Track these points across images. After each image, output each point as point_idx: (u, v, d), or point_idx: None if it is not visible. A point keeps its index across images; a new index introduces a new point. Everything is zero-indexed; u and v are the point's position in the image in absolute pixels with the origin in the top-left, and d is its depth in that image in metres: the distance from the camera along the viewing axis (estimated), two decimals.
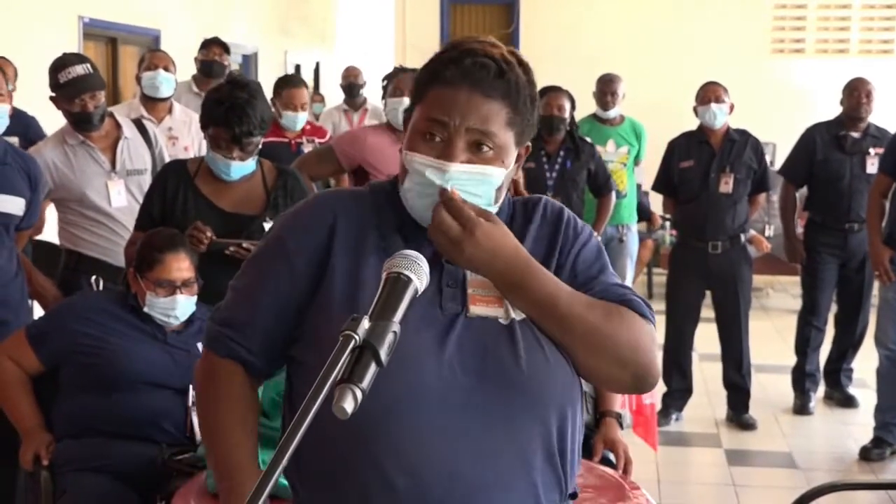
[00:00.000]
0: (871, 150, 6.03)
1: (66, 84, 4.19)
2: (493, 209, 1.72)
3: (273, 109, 5.13)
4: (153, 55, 5.93)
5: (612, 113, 6.96)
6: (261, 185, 3.63)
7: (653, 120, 7.45)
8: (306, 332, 1.70)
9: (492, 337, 1.66)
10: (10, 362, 3.20)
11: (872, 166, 5.92)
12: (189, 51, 7.11)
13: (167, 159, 4.44)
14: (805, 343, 6.25)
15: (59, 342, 3.18)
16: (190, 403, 3.11)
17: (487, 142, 1.67)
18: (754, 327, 6.24)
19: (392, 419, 1.59)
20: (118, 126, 4.44)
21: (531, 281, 1.66)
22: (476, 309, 1.68)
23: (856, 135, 6.09)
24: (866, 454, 5.31)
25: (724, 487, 5.05)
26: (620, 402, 3.14)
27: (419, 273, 1.47)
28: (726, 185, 5.78)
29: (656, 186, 6.15)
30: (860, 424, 5.79)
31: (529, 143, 1.77)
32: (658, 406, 5.39)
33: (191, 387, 3.11)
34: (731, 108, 5.87)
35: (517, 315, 1.67)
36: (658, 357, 1.75)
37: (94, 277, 4.25)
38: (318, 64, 12.13)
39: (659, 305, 6.01)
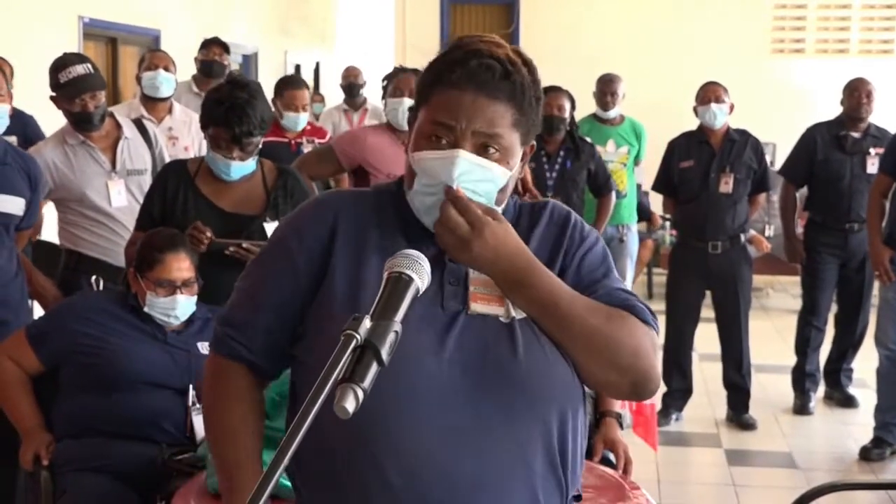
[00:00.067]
0: (872, 150, 6.04)
1: (67, 84, 4.19)
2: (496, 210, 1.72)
3: (274, 110, 5.13)
4: (153, 55, 5.93)
5: (612, 113, 6.96)
6: (261, 185, 3.63)
7: (653, 120, 7.45)
8: (308, 332, 1.70)
9: (492, 335, 1.66)
10: (10, 362, 3.19)
11: (873, 166, 5.92)
12: (189, 51, 7.11)
13: (167, 159, 4.44)
14: (805, 343, 6.25)
15: (59, 342, 3.18)
16: (190, 403, 3.11)
17: (494, 144, 1.67)
18: (754, 327, 6.24)
19: (392, 419, 1.60)
20: (118, 126, 4.44)
21: (534, 281, 1.66)
22: (477, 306, 1.68)
23: (856, 135, 6.10)
24: (866, 454, 5.31)
25: (724, 487, 5.05)
26: (620, 402, 3.14)
27: (420, 272, 1.47)
28: (726, 185, 5.78)
29: (656, 186, 6.15)
30: (860, 424, 5.79)
31: (534, 142, 1.77)
32: (658, 406, 5.40)
33: (191, 387, 3.12)
34: (731, 108, 5.87)
35: (518, 314, 1.67)
36: (659, 364, 1.74)
37: (94, 277, 4.25)
38: (318, 64, 12.14)
39: (659, 305, 6.02)
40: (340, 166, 4.80)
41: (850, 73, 6.58)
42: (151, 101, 5.69)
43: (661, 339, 5.53)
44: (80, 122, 4.27)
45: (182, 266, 3.21)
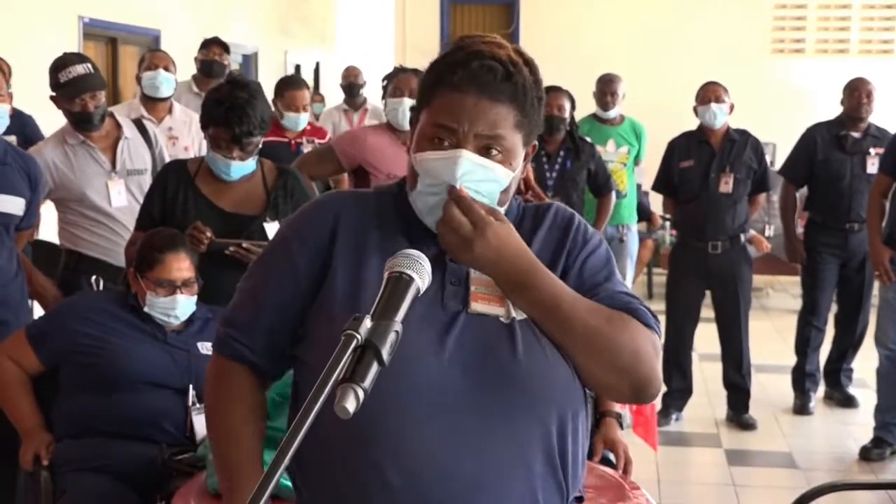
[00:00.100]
0: (872, 150, 6.04)
1: (67, 84, 4.19)
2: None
3: (274, 110, 5.13)
4: (153, 55, 5.93)
5: (612, 113, 6.96)
6: (261, 185, 3.63)
7: (653, 120, 7.45)
8: (309, 332, 1.70)
9: (492, 335, 1.65)
10: (10, 362, 3.19)
11: (873, 166, 5.92)
12: (189, 51, 7.11)
13: (167, 159, 4.44)
14: (805, 343, 6.25)
15: (59, 342, 3.17)
16: (190, 403, 3.11)
17: (496, 146, 1.67)
18: (754, 327, 6.24)
19: (391, 419, 1.60)
20: (118, 126, 4.44)
21: (535, 282, 1.66)
22: (477, 306, 1.68)
23: (856, 135, 6.10)
24: (866, 454, 5.31)
25: (724, 487, 5.05)
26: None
27: (421, 272, 1.47)
28: (726, 185, 5.78)
29: (656, 186, 6.15)
30: (860, 424, 5.79)
31: (536, 142, 1.77)
32: (658, 406, 5.39)
33: (191, 386, 3.12)
34: (731, 108, 5.87)
35: (518, 315, 1.67)
36: (659, 368, 1.72)
37: (94, 277, 4.25)
38: (318, 64, 12.14)
39: (659, 305, 6.02)
40: (340, 166, 4.80)
41: (850, 73, 6.58)
42: (151, 101, 5.69)
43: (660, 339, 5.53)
44: (80, 122, 4.26)
45: (182, 266, 3.21)
